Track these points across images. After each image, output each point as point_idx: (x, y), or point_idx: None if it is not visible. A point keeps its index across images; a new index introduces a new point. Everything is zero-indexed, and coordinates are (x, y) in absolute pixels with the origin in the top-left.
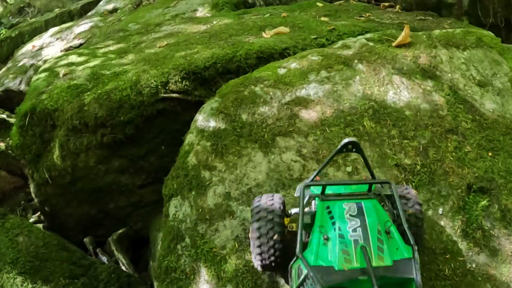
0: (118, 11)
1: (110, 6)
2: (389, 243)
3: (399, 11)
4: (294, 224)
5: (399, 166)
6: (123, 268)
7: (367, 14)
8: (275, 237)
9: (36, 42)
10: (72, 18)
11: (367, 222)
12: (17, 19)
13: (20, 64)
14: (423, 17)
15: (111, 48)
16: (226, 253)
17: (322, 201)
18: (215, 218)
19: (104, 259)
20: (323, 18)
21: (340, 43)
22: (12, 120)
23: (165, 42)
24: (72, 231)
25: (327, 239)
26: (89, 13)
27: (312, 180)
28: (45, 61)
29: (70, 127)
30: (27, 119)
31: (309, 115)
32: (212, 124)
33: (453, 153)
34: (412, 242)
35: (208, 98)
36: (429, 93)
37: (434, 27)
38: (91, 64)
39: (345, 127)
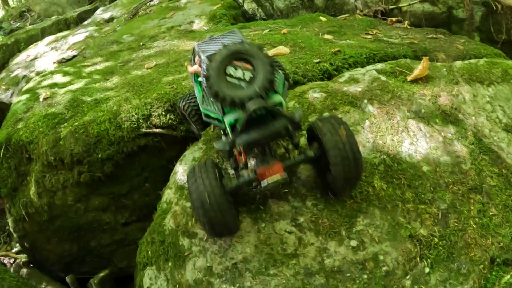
0: (114, 20)
1: (106, 15)
2: None
3: (408, 27)
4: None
5: (413, 237)
6: None
7: (374, 31)
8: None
9: (31, 51)
10: (68, 26)
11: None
12: (18, 24)
13: (13, 74)
14: (434, 35)
15: (97, 67)
16: None
17: None
18: None
19: None
20: (326, 36)
21: (346, 75)
22: None
23: (154, 63)
24: (54, 266)
25: None
26: (86, 22)
27: None
28: (37, 73)
29: (46, 163)
30: (2, 150)
31: (307, 171)
32: None
33: (476, 219)
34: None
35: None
36: (450, 141)
37: (447, 47)
38: (74, 87)
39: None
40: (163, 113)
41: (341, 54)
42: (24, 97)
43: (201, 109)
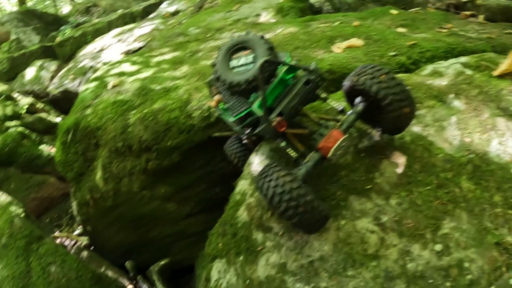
0: (180, 13)
1: (172, 8)
2: None
3: (483, 21)
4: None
5: (500, 245)
6: None
7: (449, 26)
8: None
9: (98, 43)
10: (134, 20)
11: None
12: (84, 18)
13: (81, 65)
14: (511, 31)
15: (166, 57)
16: None
17: None
18: None
19: (145, 287)
20: (399, 29)
21: (429, 68)
22: None
23: None
24: (114, 252)
25: None
26: (151, 15)
27: None
28: (104, 64)
29: (113, 149)
30: (70, 135)
31: (391, 167)
32: None
33: None
34: None
35: None
36: None
37: None
38: (142, 75)
39: (437, 187)
40: None
41: (417, 47)
42: (92, 85)
43: (235, 129)
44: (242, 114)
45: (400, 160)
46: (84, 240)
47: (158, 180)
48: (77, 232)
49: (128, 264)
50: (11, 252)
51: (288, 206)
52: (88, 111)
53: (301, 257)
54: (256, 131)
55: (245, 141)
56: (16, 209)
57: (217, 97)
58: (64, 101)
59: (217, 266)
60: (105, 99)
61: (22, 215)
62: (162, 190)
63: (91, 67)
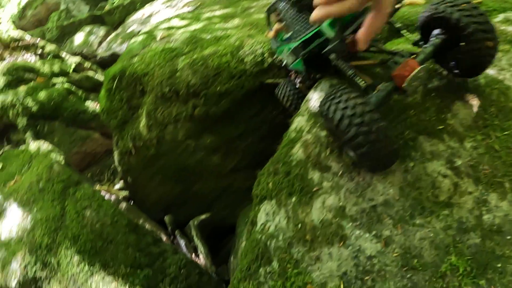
0: None
1: None
2: None
3: None
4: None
5: None
6: (201, 257)
7: None
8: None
9: (147, 9)
10: None
11: None
12: None
13: (129, 30)
14: None
15: (216, 13)
16: None
17: None
18: (319, 241)
19: (182, 242)
20: None
21: (501, 16)
22: None
23: None
24: (153, 206)
25: None
26: None
27: None
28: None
29: (159, 95)
30: (115, 82)
31: (465, 109)
32: None
33: None
34: None
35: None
36: None
37: None
38: (192, 28)
39: None
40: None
41: (483, 6)
42: (140, 37)
43: (293, 65)
44: (310, 35)
45: (474, 102)
46: (123, 194)
47: (205, 129)
48: (117, 186)
49: (167, 218)
50: (47, 196)
51: (358, 132)
52: (135, 59)
53: (362, 201)
54: (328, 48)
55: (298, 85)
56: (56, 156)
57: (277, 26)
58: (111, 63)
59: (265, 209)
60: (153, 48)
61: (62, 162)
62: (208, 140)
63: (139, 31)
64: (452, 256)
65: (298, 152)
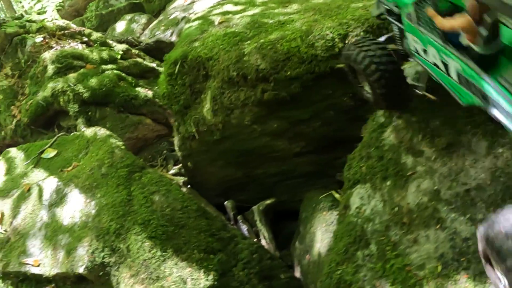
0: None
1: None
2: None
3: None
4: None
5: None
6: (263, 242)
7: None
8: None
9: None
10: None
11: None
12: None
13: (172, 17)
14: None
15: None
16: (423, 275)
17: None
18: (416, 224)
19: (244, 228)
20: None
21: None
22: (161, 69)
23: None
24: (212, 191)
25: None
26: None
27: None
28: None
29: (226, 79)
30: (177, 67)
31: None
32: (419, 92)
33: None
34: None
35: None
36: None
37: None
38: (250, 12)
39: None
40: (362, 33)
41: None
42: (195, 23)
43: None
44: None
45: None
46: (179, 180)
47: (272, 114)
48: (172, 172)
49: (228, 203)
50: (111, 181)
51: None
52: (197, 43)
53: (456, 185)
54: None
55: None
56: (116, 141)
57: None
58: (156, 51)
59: (359, 192)
60: (214, 33)
61: (123, 147)
62: (274, 125)
63: (183, 17)
64: None
65: (389, 137)
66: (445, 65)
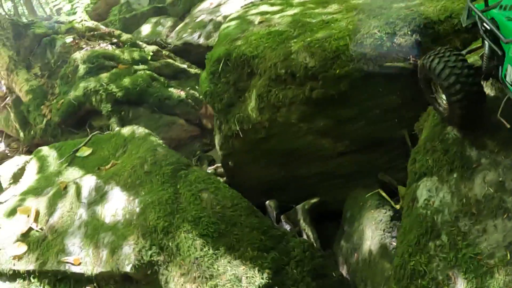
0: None
1: None
2: None
3: None
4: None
5: None
6: None
7: None
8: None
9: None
10: None
11: None
12: None
13: (198, 19)
14: None
15: None
16: (494, 264)
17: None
18: (484, 214)
19: (288, 227)
20: None
21: None
22: (192, 70)
23: None
24: (252, 191)
25: None
26: None
27: None
28: (224, 17)
29: (273, 77)
30: (221, 65)
31: None
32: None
33: None
34: None
35: None
36: None
37: None
38: (290, 12)
39: None
40: (409, 32)
41: None
42: (233, 23)
43: None
44: None
45: None
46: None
47: (319, 112)
48: (208, 171)
49: (271, 202)
50: (155, 178)
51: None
52: (239, 42)
53: None
54: None
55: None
56: (157, 139)
57: None
58: (184, 53)
59: (427, 185)
60: (256, 32)
61: (164, 145)
62: (321, 123)
63: (210, 20)
64: None
65: (453, 130)
66: None
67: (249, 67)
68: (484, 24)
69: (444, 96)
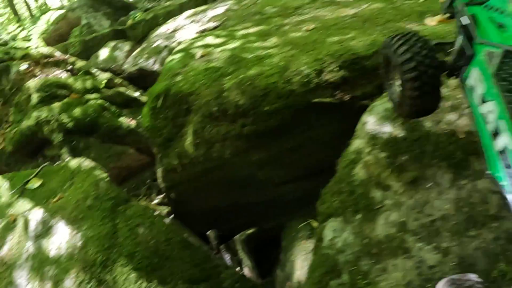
0: None
1: None
2: None
3: None
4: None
5: None
6: (246, 270)
7: None
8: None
9: (171, 24)
10: (206, 2)
11: None
12: (152, 4)
13: (154, 45)
14: None
15: (250, 31)
16: None
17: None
18: (385, 254)
19: (227, 257)
20: None
21: None
22: (143, 98)
23: (313, 25)
24: (196, 221)
25: (501, 25)
26: None
27: None
28: (179, 43)
29: (207, 114)
30: (160, 101)
31: None
32: (388, 129)
33: None
34: None
35: (375, 96)
36: None
37: None
38: (230, 46)
39: None
40: (336, 69)
41: None
42: (177, 55)
43: None
44: None
45: None
46: (163, 210)
47: (252, 146)
48: (155, 201)
49: (211, 233)
50: (96, 213)
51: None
52: (179, 78)
53: (422, 216)
54: None
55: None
56: (101, 174)
57: None
58: (140, 79)
59: (332, 225)
60: (195, 67)
61: (107, 179)
62: (255, 157)
63: (165, 46)
64: (502, 263)
65: (360, 172)
66: (496, 131)
67: (186, 103)
68: (462, 18)
69: (399, 82)
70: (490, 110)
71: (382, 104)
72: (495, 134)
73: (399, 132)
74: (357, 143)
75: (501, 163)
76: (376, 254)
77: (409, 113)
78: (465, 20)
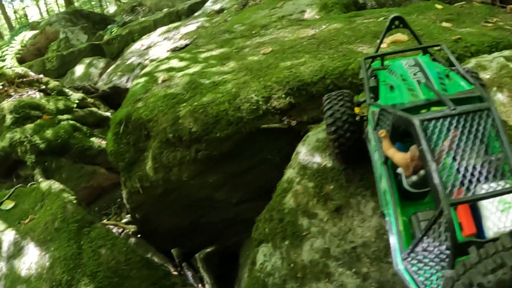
0: (225, 11)
1: (217, 7)
2: (450, 82)
3: None
4: (364, 110)
5: None
6: (207, 287)
7: (494, 20)
8: (349, 118)
9: (145, 41)
10: (179, 18)
11: (425, 68)
12: (130, 17)
13: (128, 62)
14: None
15: (213, 53)
16: None
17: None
18: (308, 278)
19: (189, 274)
20: (444, 24)
21: (473, 62)
22: None
23: (270, 49)
24: (161, 239)
25: (392, 87)
26: (196, 13)
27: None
28: (151, 60)
29: (164, 140)
30: (122, 127)
31: None
32: (317, 160)
33: None
34: (472, 81)
35: (315, 123)
36: None
37: None
38: (191, 70)
39: None
40: (283, 95)
41: (462, 41)
42: (142, 79)
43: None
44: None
45: None
46: (131, 228)
47: (208, 170)
48: (124, 220)
49: (174, 251)
50: (63, 235)
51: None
52: (140, 104)
53: (344, 243)
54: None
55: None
56: (69, 196)
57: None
58: (113, 96)
59: (263, 251)
60: (156, 93)
61: (74, 201)
62: (211, 179)
63: (139, 63)
64: None
65: (289, 201)
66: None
67: (146, 129)
68: (370, 80)
69: None
70: (376, 158)
71: (315, 134)
72: (380, 178)
73: (327, 162)
74: (289, 173)
75: (384, 201)
76: (301, 277)
77: (339, 161)
78: (372, 82)
